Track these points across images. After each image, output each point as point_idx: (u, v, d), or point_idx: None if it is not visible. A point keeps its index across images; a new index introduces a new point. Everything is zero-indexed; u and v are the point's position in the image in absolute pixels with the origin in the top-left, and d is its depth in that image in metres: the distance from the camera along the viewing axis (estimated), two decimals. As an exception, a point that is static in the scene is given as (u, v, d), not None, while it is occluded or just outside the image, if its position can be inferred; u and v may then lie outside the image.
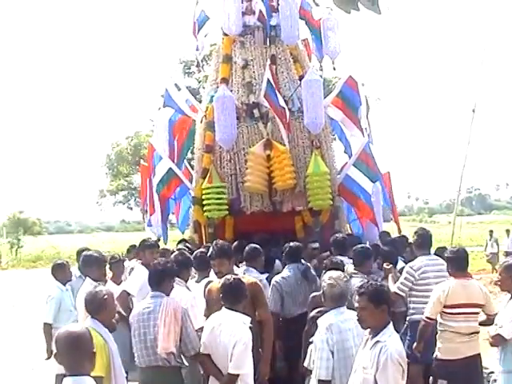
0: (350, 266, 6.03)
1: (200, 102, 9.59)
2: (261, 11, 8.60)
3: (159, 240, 8.44)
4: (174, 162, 8.87)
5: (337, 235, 7.06)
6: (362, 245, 6.42)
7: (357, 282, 5.02)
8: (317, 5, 9.13)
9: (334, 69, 9.27)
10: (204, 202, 8.21)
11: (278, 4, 8.60)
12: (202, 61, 10.20)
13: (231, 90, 8.36)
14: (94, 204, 30.95)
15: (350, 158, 9.05)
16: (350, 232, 8.77)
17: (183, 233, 9.65)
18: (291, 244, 6.41)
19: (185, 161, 9.75)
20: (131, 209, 29.07)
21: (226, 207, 8.18)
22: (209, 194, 8.20)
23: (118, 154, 27.40)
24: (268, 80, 8.03)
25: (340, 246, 6.77)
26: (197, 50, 9.47)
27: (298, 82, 8.45)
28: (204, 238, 8.47)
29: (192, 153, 9.87)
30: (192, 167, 9.63)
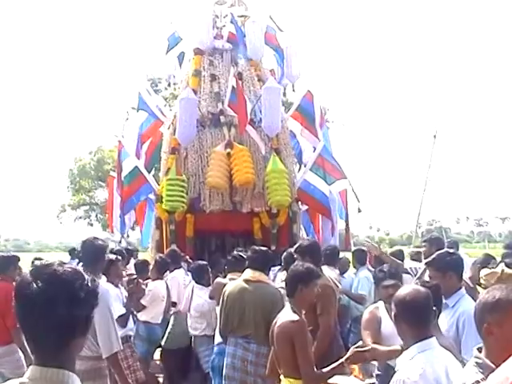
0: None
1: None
2: (230, 33, 9.47)
3: (120, 242, 8.82)
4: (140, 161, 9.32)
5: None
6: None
7: None
8: (280, 30, 9.93)
9: (294, 91, 10.02)
10: (164, 194, 8.54)
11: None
12: (169, 78, 10.79)
13: (199, 100, 9.03)
14: (53, 220, 30.12)
15: (304, 166, 9.61)
16: (307, 237, 8.97)
17: (145, 249, 9.88)
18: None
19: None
20: (91, 225, 28.24)
21: (184, 200, 8.51)
22: (168, 185, 8.55)
23: (80, 168, 27.09)
24: (232, 87, 8.75)
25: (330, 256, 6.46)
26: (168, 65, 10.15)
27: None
28: (165, 235, 8.78)
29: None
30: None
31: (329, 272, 5.70)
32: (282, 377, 3.68)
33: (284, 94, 10.63)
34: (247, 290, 4.64)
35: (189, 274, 6.90)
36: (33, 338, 1.67)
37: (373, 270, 6.86)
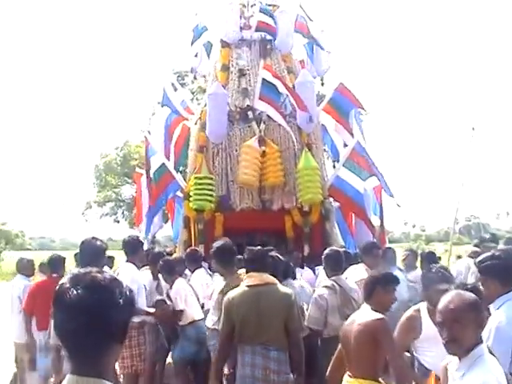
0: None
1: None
2: (260, 21, 9.42)
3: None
4: (168, 158, 9.45)
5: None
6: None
7: None
8: (310, 20, 9.93)
9: (322, 84, 10.10)
10: (191, 193, 8.61)
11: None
12: (195, 71, 10.74)
13: (227, 95, 9.02)
14: (79, 217, 30.13)
15: (337, 162, 9.65)
16: (341, 243, 8.99)
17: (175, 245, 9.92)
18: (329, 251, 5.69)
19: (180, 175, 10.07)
20: (118, 222, 28.41)
21: (213, 199, 8.57)
22: (196, 184, 8.60)
23: (106, 164, 27.39)
24: (264, 80, 8.69)
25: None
26: (195, 56, 10.18)
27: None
28: (194, 234, 8.85)
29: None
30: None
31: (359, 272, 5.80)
32: (347, 378, 3.79)
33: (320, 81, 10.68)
34: (259, 294, 4.51)
35: (210, 273, 6.88)
36: (70, 345, 1.68)
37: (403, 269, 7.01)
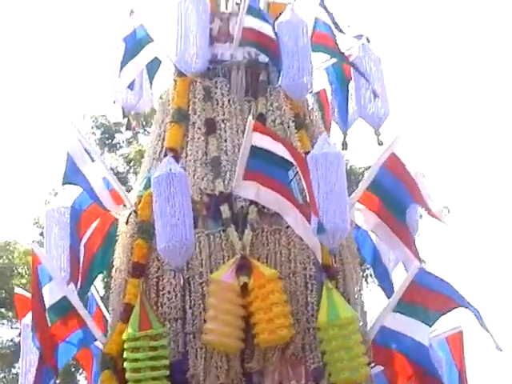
0: None
1: (128, 191, 7.33)
2: (247, 29, 6.56)
3: None
4: (76, 281, 6.59)
5: None
6: None
7: None
8: (343, 32, 6.89)
9: (381, 143, 6.94)
10: (125, 365, 6.00)
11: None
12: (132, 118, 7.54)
13: (184, 169, 6.32)
14: None
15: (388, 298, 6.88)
16: None
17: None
18: None
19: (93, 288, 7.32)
20: None
21: (163, 374, 5.99)
22: (135, 349, 5.98)
23: None
24: (254, 148, 6.01)
25: None
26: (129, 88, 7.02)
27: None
28: None
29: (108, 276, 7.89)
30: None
31: None
32: None
33: (344, 147, 7.57)
34: None
35: None
36: None
37: None
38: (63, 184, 6.84)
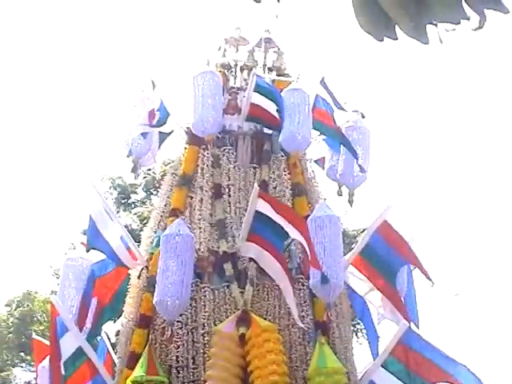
0: None
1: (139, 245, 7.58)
2: (253, 105, 6.91)
3: None
4: (82, 326, 6.95)
5: None
6: None
7: None
8: (342, 109, 7.25)
9: (351, 202, 7.29)
10: None
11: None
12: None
13: (190, 229, 6.66)
14: None
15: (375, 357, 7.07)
16: None
17: None
18: None
19: (105, 335, 7.61)
20: None
21: None
22: None
23: None
24: (258, 214, 6.41)
25: None
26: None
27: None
28: None
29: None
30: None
31: None
32: None
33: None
34: None
35: None
36: None
37: None
38: (87, 250, 7.17)
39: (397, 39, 2.42)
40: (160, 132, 7.51)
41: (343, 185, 7.35)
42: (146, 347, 6.42)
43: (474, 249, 28.18)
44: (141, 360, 6.34)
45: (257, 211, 6.45)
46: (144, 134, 7.24)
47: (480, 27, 2.28)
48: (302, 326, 6.43)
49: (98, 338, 7.51)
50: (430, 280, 6.99)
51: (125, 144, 7.30)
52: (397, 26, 2.36)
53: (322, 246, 6.29)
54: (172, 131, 7.55)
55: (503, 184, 28.40)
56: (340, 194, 7.44)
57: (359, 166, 7.17)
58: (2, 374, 17.72)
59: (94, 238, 6.96)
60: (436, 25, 2.23)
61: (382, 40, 2.44)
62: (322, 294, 6.37)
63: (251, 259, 6.61)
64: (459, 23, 2.23)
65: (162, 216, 7.12)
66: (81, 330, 6.88)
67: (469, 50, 25.10)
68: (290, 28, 8.12)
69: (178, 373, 6.41)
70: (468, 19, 2.23)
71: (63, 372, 6.65)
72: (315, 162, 7.65)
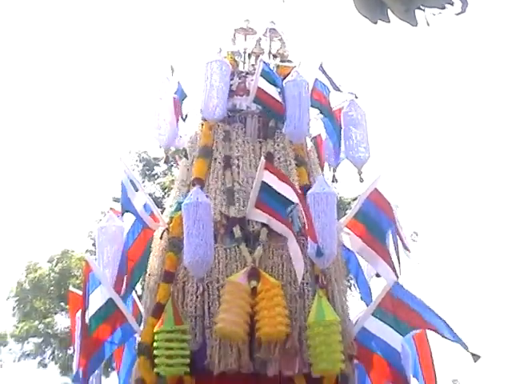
0: None
1: (162, 212, 8.26)
2: (260, 89, 7.56)
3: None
4: (120, 291, 7.53)
5: None
6: None
7: None
8: (339, 90, 8.09)
9: (362, 180, 8.01)
10: (155, 352, 6.97)
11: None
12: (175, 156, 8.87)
13: (207, 197, 7.38)
14: None
15: (366, 305, 7.95)
16: None
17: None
18: None
19: (134, 293, 8.28)
20: (45, 366, 20.70)
21: (187, 361, 6.95)
22: (164, 340, 6.98)
23: (34, 282, 20.29)
24: (264, 184, 7.16)
25: None
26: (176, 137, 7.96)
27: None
28: None
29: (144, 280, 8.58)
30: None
31: None
32: None
33: (334, 180, 8.63)
34: None
35: None
36: None
37: None
38: (123, 213, 7.86)
39: (389, 22, 2.74)
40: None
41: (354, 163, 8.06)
42: (169, 299, 7.10)
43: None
44: (167, 313, 7.01)
45: (263, 182, 7.17)
46: (172, 126, 7.71)
47: (462, 11, 2.62)
48: (303, 281, 7.11)
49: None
50: (407, 248, 7.76)
51: (156, 136, 7.76)
52: (389, 10, 2.69)
53: (318, 220, 6.99)
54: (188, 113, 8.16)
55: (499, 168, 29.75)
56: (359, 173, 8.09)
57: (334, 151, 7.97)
58: (46, 320, 20.44)
59: (127, 203, 7.64)
60: (424, 9, 2.63)
61: (376, 23, 2.77)
62: (317, 262, 7.12)
63: (263, 224, 7.31)
64: (444, 8, 2.61)
65: (184, 184, 7.81)
66: (118, 294, 7.46)
67: (461, 35, 26.45)
68: (293, 16, 9.02)
69: (196, 321, 7.13)
70: (452, 4, 2.60)
71: (88, 323, 7.25)
72: (311, 139, 8.43)
